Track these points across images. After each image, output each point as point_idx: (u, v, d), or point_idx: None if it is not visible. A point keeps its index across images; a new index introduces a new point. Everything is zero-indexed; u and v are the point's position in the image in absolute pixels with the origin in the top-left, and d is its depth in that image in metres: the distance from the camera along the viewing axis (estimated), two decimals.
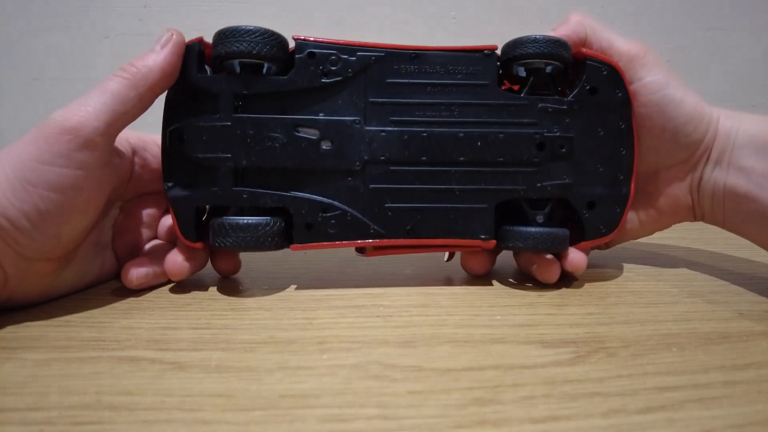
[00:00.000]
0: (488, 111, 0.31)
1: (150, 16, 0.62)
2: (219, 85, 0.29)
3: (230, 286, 0.31)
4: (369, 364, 0.22)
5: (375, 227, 0.30)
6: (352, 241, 0.30)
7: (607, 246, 0.36)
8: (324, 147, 0.30)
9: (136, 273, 0.30)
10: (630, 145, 0.32)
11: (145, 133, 0.32)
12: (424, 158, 0.30)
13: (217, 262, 0.32)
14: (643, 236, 0.35)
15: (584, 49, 0.31)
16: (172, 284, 0.31)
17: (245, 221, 0.29)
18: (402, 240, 0.31)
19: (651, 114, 0.31)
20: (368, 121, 0.30)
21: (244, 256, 0.35)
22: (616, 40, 0.32)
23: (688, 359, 0.23)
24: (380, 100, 0.30)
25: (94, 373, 0.21)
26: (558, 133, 0.31)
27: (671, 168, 0.32)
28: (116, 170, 0.29)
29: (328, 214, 0.30)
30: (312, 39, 0.30)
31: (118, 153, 0.29)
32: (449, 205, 0.31)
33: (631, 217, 0.34)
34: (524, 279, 0.33)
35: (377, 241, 0.31)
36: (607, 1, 0.67)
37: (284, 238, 0.30)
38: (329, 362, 0.22)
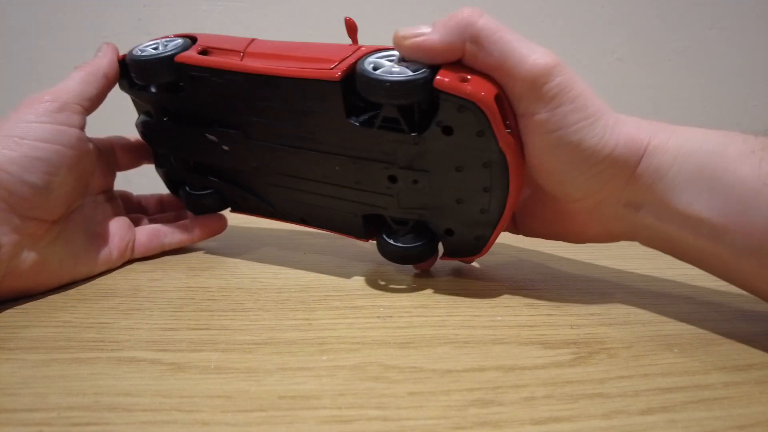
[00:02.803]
0: (341, 139, 0.29)
1: (149, 16, 0.62)
2: (142, 101, 0.34)
3: (230, 286, 0.31)
4: (369, 365, 0.22)
5: (277, 211, 0.35)
6: (265, 217, 0.36)
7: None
8: (225, 148, 0.33)
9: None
10: (499, 185, 0.27)
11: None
12: (297, 172, 0.32)
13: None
14: (586, 243, 0.31)
15: (439, 77, 0.25)
16: (170, 285, 0.31)
17: (192, 192, 0.37)
18: (300, 225, 0.35)
19: (540, 154, 0.26)
20: (249, 135, 0.32)
21: (248, 259, 0.35)
22: (513, 55, 0.24)
23: (690, 360, 0.23)
24: (252, 118, 0.31)
25: (93, 374, 0.21)
26: (411, 168, 0.28)
27: (580, 201, 0.27)
28: (93, 151, 0.32)
29: (245, 198, 0.36)
30: (189, 62, 0.30)
31: (89, 139, 0.32)
32: (328, 207, 0.33)
33: (560, 232, 0.31)
34: (525, 280, 0.33)
35: (281, 221, 0.35)
36: (606, 0, 0.67)
37: (222, 206, 0.37)
38: (329, 363, 0.22)
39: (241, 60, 0.30)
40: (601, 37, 0.67)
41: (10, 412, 0.18)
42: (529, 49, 0.24)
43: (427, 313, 0.28)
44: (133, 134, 0.37)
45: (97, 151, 0.32)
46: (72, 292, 0.30)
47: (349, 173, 0.30)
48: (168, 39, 0.33)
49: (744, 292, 0.31)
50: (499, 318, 0.27)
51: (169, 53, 0.31)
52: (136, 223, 0.37)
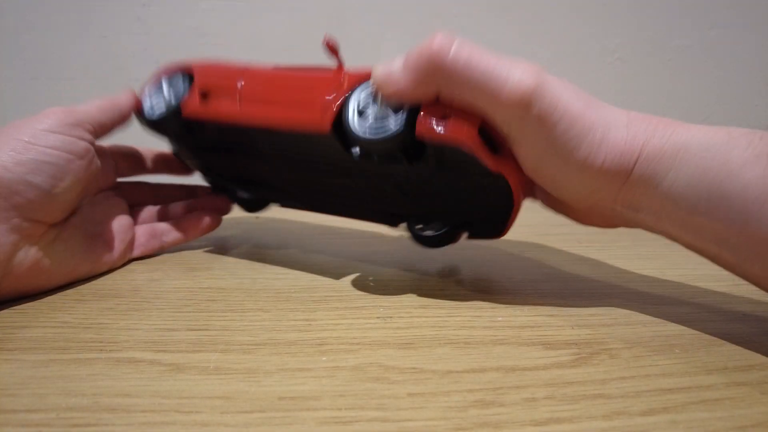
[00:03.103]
0: (347, 165, 0.29)
1: (149, 16, 0.62)
2: (171, 142, 0.37)
3: (229, 287, 0.31)
4: (369, 366, 0.22)
5: (315, 207, 0.38)
6: (308, 210, 0.39)
7: None
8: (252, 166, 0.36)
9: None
10: (502, 193, 0.27)
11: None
12: (318, 186, 0.34)
13: None
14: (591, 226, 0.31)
15: (418, 125, 0.24)
16: (169, 285, 0.31)
17: (239, 197, 0.41)
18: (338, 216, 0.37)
19: (527, 169, 0.26)
20: (264, 161, 0.34)
21: (247, 259, 0.35)
22: (489, 86, 0.23)
23: (691, 361, 0.23)
24: (263, 150, 0.33)
25: (92, 374, 0.21)
26: (416, 184, 0.29)
27: (575, 203, 0.27)
28: (98, 162, 0.32)
29: (284, 198, 0.39)
30: (196, 117, 0.31)
31: (97, 150, 0.32)
32: (355, 206, 0.35)
33: (565, 214, 0.30)
34: (526, 280, 0.33)
35: (323, 213, 0.38)
36: (607, 0, 0.66)
37: (269, 203, 0.41)
38: (329, 364, 0.22)
39: (239, 107, 0.30)
40: (601, 37, 0.67)
41: (9, 412, 0.18)
42: (506, 74, 0.23)
43: (428, 314, 0.27)
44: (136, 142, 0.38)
45: (101, 157, 0.33)
46: (70, 292, 0.30)
47: (362, 187, 0.32)
48: (168, 76, 0.33)
49: (745, 293, 0.31)
50: (500, 318, 0.27)
51: (174, 107, 0.32)
52: (138, 214, 0.37)
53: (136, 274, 0.33)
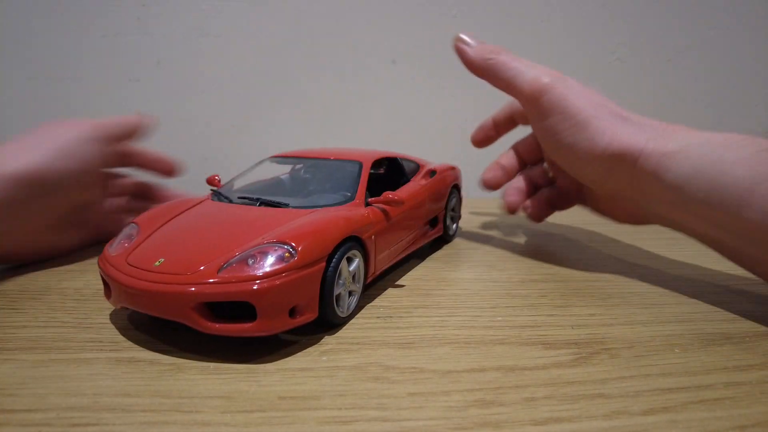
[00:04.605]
0: None
1: (148, 16, 0.62)
2: None
3: None
4: (369, 366, 0.22)
5: None
6: None
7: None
8: None
9: None
10: None
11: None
12: None
13: None
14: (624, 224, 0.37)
15: None
16: None
17: None
18: None
19: (549, 154, 0.36)
20: None
21: None
22: (517, 79, 0.33)
23: (691, 360, 0.23)
24: None
25: (92, 374, 0.21)
26: None
27: (597, 189, 0.34)
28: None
29: None
30: None
31: None
32: None
33: (602, 211, 0.38)
34: (526, 280, 0.33)
35: None
36: (606, 0, 0.67)
37: None
38: (329, 363, 0.22)
39: None
40: (601, 37, 0.67)
41: (10, 412, 0.18)
42: (527, 72, 0.32)
43: (428, 314, 0.27)
44: None
45: None
46: (71, 292, 0.30)
47: None
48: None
49: (744, 294, 0.31)
50: (500, 318, 0.27)
51: None
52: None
53: None
